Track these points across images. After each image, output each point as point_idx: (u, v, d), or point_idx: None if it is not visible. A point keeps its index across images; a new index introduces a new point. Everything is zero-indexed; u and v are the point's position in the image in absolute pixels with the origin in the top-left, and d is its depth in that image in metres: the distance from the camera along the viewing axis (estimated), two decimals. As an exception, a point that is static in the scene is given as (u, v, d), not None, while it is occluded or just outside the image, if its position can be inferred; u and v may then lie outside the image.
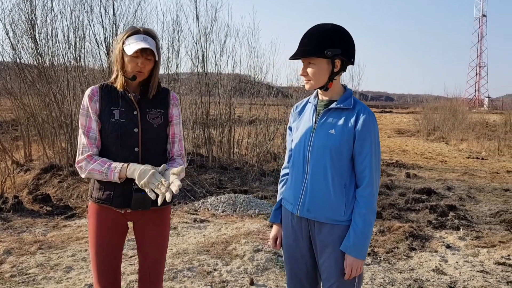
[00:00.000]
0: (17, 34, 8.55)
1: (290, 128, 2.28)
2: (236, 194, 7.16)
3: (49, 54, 8.68)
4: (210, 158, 9.46)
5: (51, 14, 8.57)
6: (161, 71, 11.31)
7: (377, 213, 6.48)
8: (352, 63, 2.05)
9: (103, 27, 8.53)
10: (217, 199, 6.93)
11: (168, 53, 9.70)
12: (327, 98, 2.10)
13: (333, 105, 2.04)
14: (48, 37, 8.61)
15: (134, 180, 2.04)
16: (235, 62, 10.50)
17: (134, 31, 2.09)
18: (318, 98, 2.15)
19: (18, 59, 8.67)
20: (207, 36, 9.56)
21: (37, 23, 8.49)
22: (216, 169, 9.09)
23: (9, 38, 8.48)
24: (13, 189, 7.17)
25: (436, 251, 4.92)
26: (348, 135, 1.97)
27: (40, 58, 8.54)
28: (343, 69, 2.03)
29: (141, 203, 2.07)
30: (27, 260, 4.21)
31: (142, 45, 2.02)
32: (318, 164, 2.02)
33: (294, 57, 2.03)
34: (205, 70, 9.66)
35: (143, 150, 2.14)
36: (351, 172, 2.03)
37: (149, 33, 2.12)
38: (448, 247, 5.06)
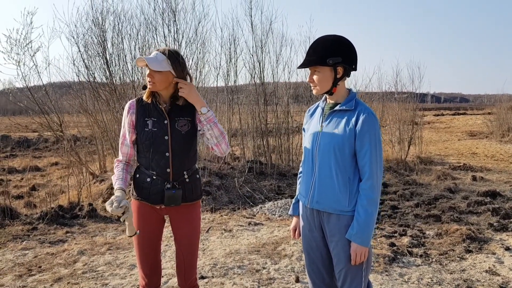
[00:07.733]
0: (90, 56, 9.39)
1: (304, 129, 2.54)
2: (293, 200, 7.33)
3: (119, 73, 9.45)
4: (269, 165, 9.73)
5: (120, 36, 9.34)
6: (222, 83, 11.80)
7: (436, 216, 6.41)
8: (355, 69, 2.26)
9: (166, 45, 9.13)
10: (274, 204, 7.16)
11: (227, 66, 10.19)
12: (333, 101, 2.34)
13: (337, 107, 2.28)
14: (118, 57, 9.39)
15: (166, 180, 2.42)
16: (291, 71, 10.75)
17: (155, 51, 2.41)
18: (326, 102, 2.39)
19: (92, 78, 9.50)
20: (263, 48, 9.91)
21: (107, 45, 9.28)
22: (275, 175, 9.34)
23: (83, 60, 9.33)
24: (89, 198, 7.86)
25: (494, 253, 4.80)
26: (350, 133, 2.19)
27: (111, 77, 9.30)
28: (346, 74, 2.26)
29: (173, 199, 2.40)
30: (97, 259, 4.69)
31: (140, 58, 2.28)
32: (324, 161, 2.25)
33: (301, 66, 2.28)
34: (262, 80, 10.00)
35: (173, 154, 2.45)
36: (355, 167, 2.23)
37: (164, 52, 2.38)
38: (507, 249, 4.91)
